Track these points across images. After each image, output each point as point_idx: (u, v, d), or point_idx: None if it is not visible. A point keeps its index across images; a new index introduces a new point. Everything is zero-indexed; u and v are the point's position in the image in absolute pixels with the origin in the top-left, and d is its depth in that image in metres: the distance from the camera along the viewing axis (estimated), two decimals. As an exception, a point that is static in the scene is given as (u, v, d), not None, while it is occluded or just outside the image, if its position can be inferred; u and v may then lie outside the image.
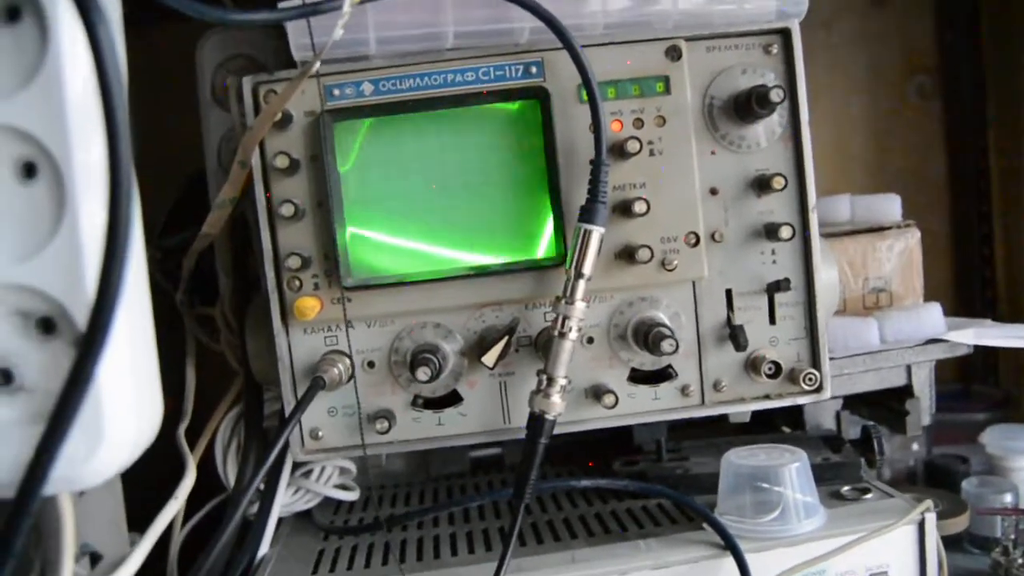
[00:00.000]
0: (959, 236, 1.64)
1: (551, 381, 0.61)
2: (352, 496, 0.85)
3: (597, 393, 0.67)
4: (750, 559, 0.67)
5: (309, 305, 0.63)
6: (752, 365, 0.67)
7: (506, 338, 0.64)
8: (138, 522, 0.61)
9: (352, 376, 0.67)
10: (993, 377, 1.60)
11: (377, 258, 0.66)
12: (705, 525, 0.71)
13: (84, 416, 0.44)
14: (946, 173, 1.64)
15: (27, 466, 0.42)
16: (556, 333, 0.61)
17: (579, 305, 0.61)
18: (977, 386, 1.56)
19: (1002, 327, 0.85)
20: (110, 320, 0.42)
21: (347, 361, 0.66)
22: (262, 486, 0.79)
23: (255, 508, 0.76)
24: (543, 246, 0.66)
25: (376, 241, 0.66)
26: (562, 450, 0.90)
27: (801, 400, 0.69)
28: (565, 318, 0.61)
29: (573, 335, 0.61)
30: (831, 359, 0.81)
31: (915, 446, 1.31)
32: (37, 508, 0.43)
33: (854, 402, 0.93)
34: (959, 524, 0.97)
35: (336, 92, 0.65)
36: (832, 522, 0.71)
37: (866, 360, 0.83)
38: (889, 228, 0.90)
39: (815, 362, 0.68)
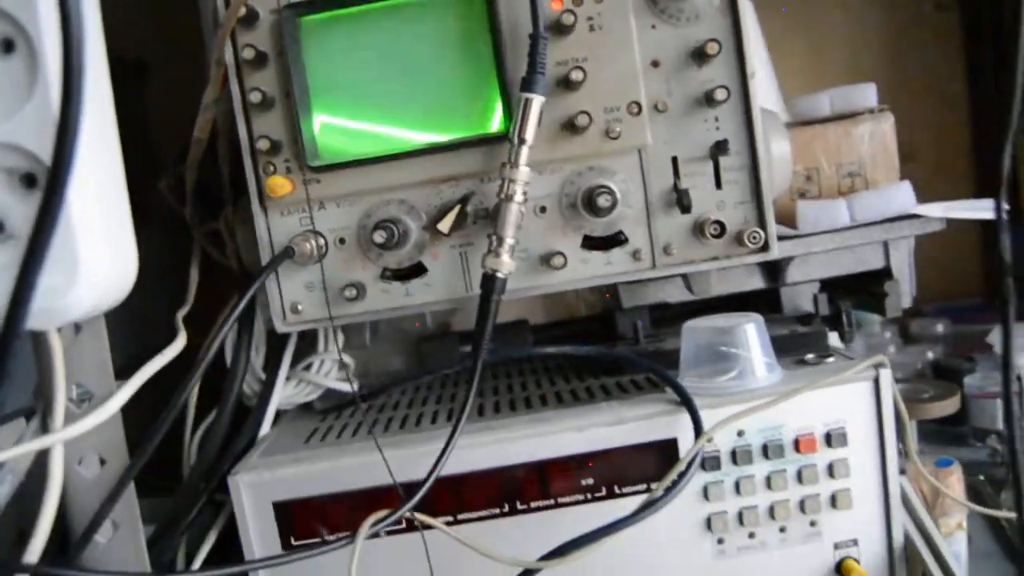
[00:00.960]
0: (979, 150, 1.62)
1: (500, 241, 0.66)
2: (348, 387, 0.91)
3: (552, 260, 0.71)
4: (707, 414, 0.71)
5: (279, 183, 0.69)
6: (699, 228, 0.71)
7: (459, 206, 0.69)
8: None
9: (325, 253, 0.73)
10: (1020, 289, 1.58)
11: (343, 142, 0.71)
12: (665, 387, 0.76)
13: (59, 251, 0.51)
14: (964, 87, 1.62)
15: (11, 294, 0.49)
16: (503, 197, 0.66)
17: (523, 170, 0.66)
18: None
19: (972, 201, 0.86)
20: (72, 153, 0.48)
21: (320, 239, 0.72)
22: (263, 376, 0.86)
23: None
24: (495, 122, 0.70)
25: (341, 126, 0.72)
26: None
27: (748, 259, 0.72)
28: (510, 182, 0.66)
29: (518, 198, 0.66)
30: (800, 236, 0.85)
31: (930, 354, 1.32)
32: (22, 330, 0.50)
33: (834, 287, 0.95)
34: (948, 407, 0.99)
35: (298, -11, 0.70)
36: (789, 380, 0.74)
37: (835, 237, 0.86)
38: (862, 114, 0.91)
39: (761, 223, 0.71)
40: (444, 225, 0.69)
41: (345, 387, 0.90)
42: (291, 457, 0.74)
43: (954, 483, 0.83)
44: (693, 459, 0.67)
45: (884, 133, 0.91)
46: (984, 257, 1.63)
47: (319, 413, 0.87)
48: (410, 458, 0.71)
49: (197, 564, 0.78)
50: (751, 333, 0.75)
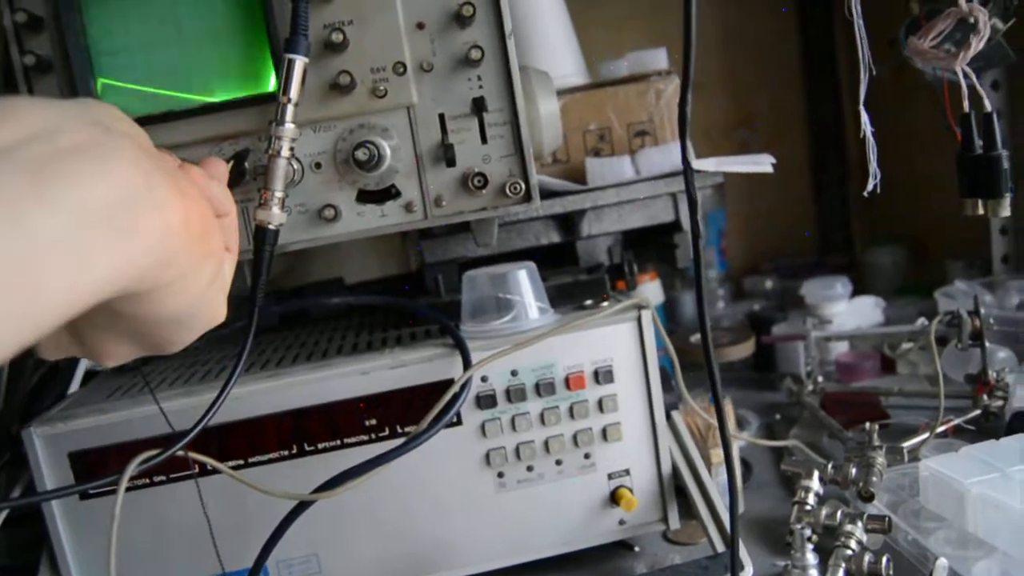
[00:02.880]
0: (811, 114, 1.72)
1: (269, 194, 0.70)
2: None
3: (324, 212, 0.75)
4: (479, 355, 0.76)
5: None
6: (466, 181, 0.75)
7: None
8: None
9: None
10: (849, 249, 1.69)
11: (125, 103, 0.73)
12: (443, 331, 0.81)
13: None
14: (799, 56, 1.71)
15: None
16: (271, 153, 0.69)
17: (288, 127, 0.69)
18: (833, 257, 1.65)
19: (744, 156, 0.93)
20: None
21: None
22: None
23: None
24: (271, 84, 0.74)
25: (123, 87, 0.74)
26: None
27: (514, 208, 0.77)
28: (277, 139, 0.69)
29: (285, 153, 0.69)
30: (590, 190, 0.90)
31: (756, 307, 1.41)
32: None
33: (631, 242, 1.01)
34: (743, 351, 1.07)
35: (72, -47, 0.72)
36: (562, 323, 0.80)
37: (621, 191, 0.91)
38: (649, 76, 0.98)
39: (523, 175, 0.76)
40: (217, 181, 0.72)
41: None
42: (87, 409, 0.77)
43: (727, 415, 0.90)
44: (460, 391, 0.73)
45: (671, 95, 0.97)
46: (818, 219, 1.73)
47: (130, 371, 0.89)
48: (197, 406, 0.74)
49: None
50: (523, 278, 0.80)
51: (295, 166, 0.73)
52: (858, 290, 1.33)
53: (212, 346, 0.96)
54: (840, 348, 1.24)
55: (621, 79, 0.98)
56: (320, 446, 0.77)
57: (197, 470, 0.76)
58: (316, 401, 0.77)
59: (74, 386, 0.87)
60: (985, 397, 0.99)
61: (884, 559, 0.73)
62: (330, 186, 0.75)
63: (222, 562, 0.75)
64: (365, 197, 0.76)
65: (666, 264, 1.02)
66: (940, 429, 0.94)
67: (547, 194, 0.88)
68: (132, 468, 0.65)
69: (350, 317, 1.02)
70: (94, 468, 0.75)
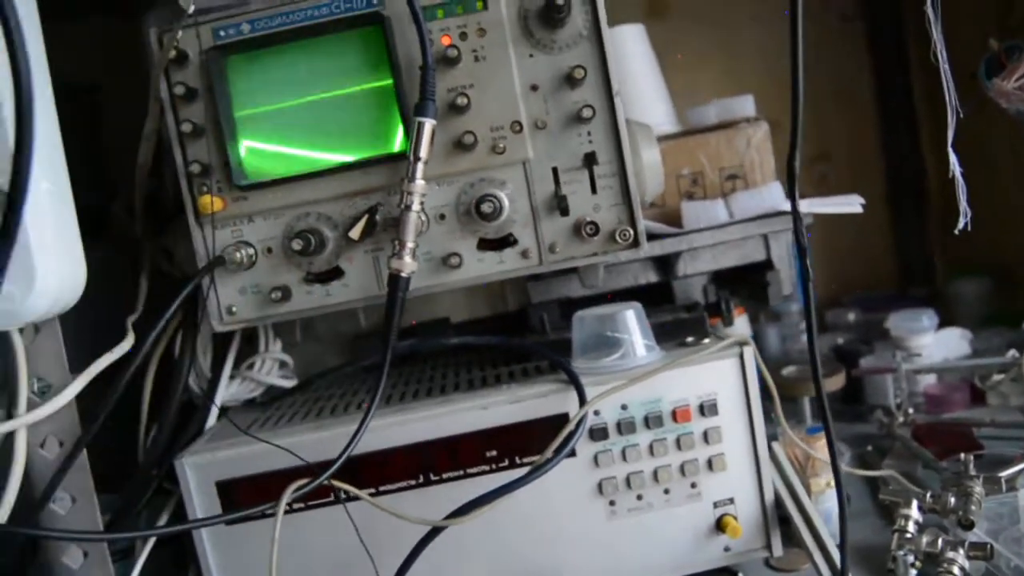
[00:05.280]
0: (888, 150, 1.74)
1: (402, 245, 0.77)
2: (290, 383, 1.01)
3: (450, 260, 0.81)
4: (592, 390, 0.81)
5: (208, 202, 0.80)
6: (578, 229, 0.81)
7: (367, 216, 0.79)
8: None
9: (255, 261, 0.83)
10: (930, 280, 1.70)
11: (266, 163, 0.82)
12: (558, 369, 0.86)
13: (17, 264, 0.61)
14: (873, 92, 1.74)
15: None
16: (403, 207, 0.77)
17: (419, 183, 0.76)
18: (914, 289, 1.66)
19: (839, 197, 0.97)
20: (26, 179, 0.58)
21: (250, 249, 0.82)
22: (209, 375, 0.96)
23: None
24: (397, 143, 0.81)
25: (264, 150, 0.82)
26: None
27: (623, 255, 0.82)
28: (408, 194, 0.76)
29: (416, 207, 0.76)
30: (685, 233, 0.96)
31: (839, 340, 1.43)
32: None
33: (724, 281, 1.06)
34: (832, 384, 1.10)
35: (222, 33, 0.81)
36: (667, 359, 0.85)
37: (716, 233, 0.97)
38: (739, 123, 1.03)
39: (631, 222, 0.81)
40: (355, 232, 0.79)
41: (285, 383, 1.01)
42: (231, 442, 0.84)
43: (821, 447, 0.94)
44: (578, 425, 0.78)
45: (760, 140, 1.02)
46: (897, 253, 1.75)
47: (260, 406, 0.97)
48: (333, 439, 0.80)
49: (148, 548, 0.88)
50: (631, 318, 0.85)
51: (423, 218, 0.79)
52: (943, 322, 1.34)
53: (329, 384, 1.03)
54: (928, 380, 1.26)
55: (711, 127, 1.04)
56: (444, 476, 0.83)
57: (333, 498, 0.82)
58: (440, 434, 0.83)
59: (210, 421, 0.94)
60: (1079, 428, 1.00)
61: (988, 585, 0.76)
62: (453, 236, 0.82)
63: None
64: (485, 245, 0.82)
65: (755, 301, 1.06)
66: (1035, 461, 0.96)
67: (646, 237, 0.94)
68: (288, 495, 0.71)
69: (458, 355, 1.08)
70: (239, 496, 0.82)
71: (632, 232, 0.81)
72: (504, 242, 0.82)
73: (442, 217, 0.82)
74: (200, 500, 0.83)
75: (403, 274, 0.77)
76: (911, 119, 1.71)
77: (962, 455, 0.97)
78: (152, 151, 0.88)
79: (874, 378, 1.25)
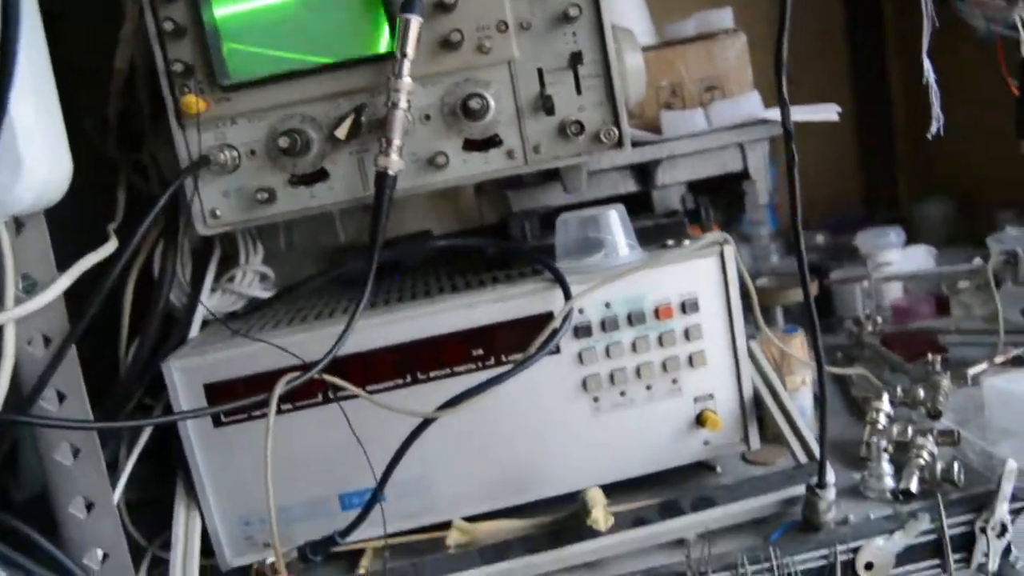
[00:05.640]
0: (858, 76, 1.76)
1: (388, 143, 0.77)
2: (270, 294, 1.01)
3: (436, 160, 0.82)
4: (576, 289, 0.83)
5: (192, 101, 0.79)
6: (563, 129, 0.82)
7: (353, 115, 0.79)
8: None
9: (239, 164, 0.83)
10: (895, 203, 1.74)
11: (249, 64, 0.81)
12: (542, 270, 0.87)
13: (4, 153, 0.60)
14: (844, 19, 1.75)
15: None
16: (389, 105, 0.77)
17: (405, 80, 0.76)
18: (879, 212, 1.70)
19: (811, 105, 0.99)
20: (11, 71, 0.57)
21: (233, 151, 0.82)
22: (189, 289, 0.95)
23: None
24: (383, 43, 0.81)
25: (248, 50, 0.81)
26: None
27: (607, 154, 0.83)
28: (395, 91, 0.77)
29: (403, 105, 0.77)
30: (665, 141, 0.97)
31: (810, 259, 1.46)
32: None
33: (702, 190, 1.07)
34: (799, 293, 1.12)
35: (202, -72, 0.79)
36: (649, 259, 0.86)
37: (695, 142, 0.98)
38: (717, 34, 1.04)
39: (616, 122, 0.82)
40: (341, 132, 0.79)
41: (266, 294, 1.01)
42: (218, 345, 0.84)
43: (797, 346, 0.97)
44: (563, 320, 0.80)
45: (739, 52, 1.03)
46: (864, 175, 1.78)
47: (242, 317, 0.97)
48: (321, 339, 0.81)
49: (133, 459, 0.88)
50: (614, 219, 0.87)
51: (409, 118, 0.80)
52: (908, 243, 1.38)
53: (311, 294, 1.04)
54: (895, 293, 1.30)
55: (691, 38, 1.04)
56: (431, 375, 0.85)
57: (320, 398, 0.83)
58: (426, 334, 0.84)
59: (194, 331, 0.94)
60: (1040, 330, 1.04)
61: (956, 465, 0.80)
62: (438, 136, 0.82)
63: (374, 473, 0.79)
64: (470, 146, 0.83)
65: (732, 211, 1.08)
66: (999, 360, 1.00)
67: (627, 145, 0.95)
68: (281, 386, 0.72)
69: (439, 266, 1.09)
70: (228, 398, 0.83)
71: (617, 132, 0.82)
72: (489, 143, 0.83)
73: (427, 118, 0.82)
74: (188, 405, 0.83)
75: (390, 172, 0.77)
76: (880, 42, 1.73)
77: (930, 355, 1.01)
78: (129, 57, 0.87)
79: (843, 291, 1.29)
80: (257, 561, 0.83)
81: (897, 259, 1.32)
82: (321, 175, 0.83)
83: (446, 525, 0.83)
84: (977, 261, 1.12)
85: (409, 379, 0.85)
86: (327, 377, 0.76)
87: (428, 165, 0.82)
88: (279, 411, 0.83)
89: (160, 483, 0.94)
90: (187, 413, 0.80)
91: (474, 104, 0.78)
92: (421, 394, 0.84)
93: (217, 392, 0.83)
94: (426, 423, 0.77)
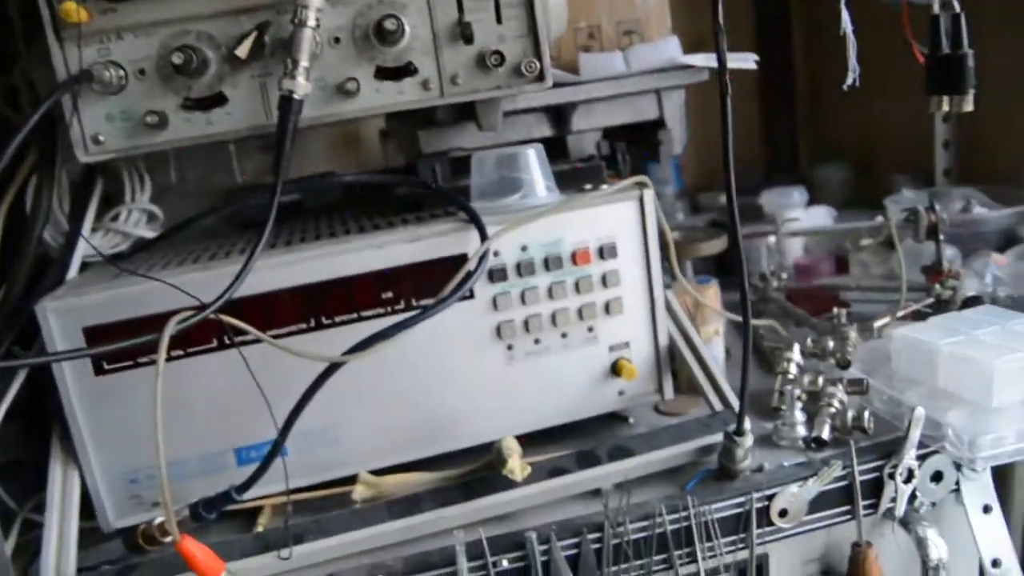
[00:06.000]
0: (762, 41, 1.77)
1: (295, 64, 0.71)
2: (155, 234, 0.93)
3: (346, 86, 0.76)
4: (494, 228, 0.79)
5: (72, 8, 0.71)
6: (482, 59, 0.78)
7: (256, 32, 0.73)
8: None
9: (125, 84, 0.75)
10: (795, 167, 1.77)
11: (143, -27, 0.73)
12: (456, 210, 0.83)
13: None
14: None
15: None
16: (296, 22, 0.71)
17: (313, -5, 0.70)
18: (780, 175, 1.72)
19: (731, 54, 0.97)
20: None
21: (120, 70, 0.74)
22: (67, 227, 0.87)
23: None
24: (288, -44, 0.74)
25: (140, -41, 0.73)
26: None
27: (528, 88, 0.79)
28: (302, 8, 0.70)
29: (311, 23, 0.71)
30: (583, 83, 0.93)
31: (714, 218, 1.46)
32: None
33: (617, 137, 1.05)
34: (716, 246, 1.12)
35: None
36: (569, 201, 0.83)
37: (613, 85, 0.95)
38: (637, -24, 1.01)
39: (537, 55, 0.78)
40: (242, 50, 0.73)
41: (152, 234, 0.93)
42: (99, 287, 0.76)
43: (711, 296, 0.96)
44: (479, 262, 0.76)
45: (658, -5, 1.01)
46: (766, 139, 1.80)
47: (127, 259, 0.89)
48: (216, 279, 0.74)
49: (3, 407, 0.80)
50: (532, 157, 0.83)
51: (318, 39, 0.74)
52: (809, 204, 1.40)
53: (201, 237, 0.96)
54: (797, 252, 1.31)
55: (610, -22, 1.01)
56: (337, 319, 0.79)
57: (215, 344, 0.77)
58: (333, 275, 0.79)
59: (72, 273, 0.86)
60: (938, 286, 1.07)
61: (865, 414, 0.80)
62: (348, 62, 0.77)
63: (275, 423, 0.73)
64: (383, 74, 0.77)
65: (647, 160, 1.06)
66: (900, 313, 1.02)
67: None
68: (172, 327, 0.66)
69: (343, 210, 1.03)
70: (111, 344, 0.76)
71: (538, 65, 0.78)
72: (404, 71, 0.78)
73: (337, 40, 0.76)
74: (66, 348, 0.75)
75: (296, 95, 0.71)
76: (783, 12, 1.74)
77: (835, 309, 1.01)
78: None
79: (748, 248, 1.29)
80: (144, 522, 0.76)
81: (800, 217, 1.33)
82: (219, 99, 0.76)
83: (352, 479, 0.79)
84: (879, 219, 1.14)
85: (313, 323, 0.79)
86: (224, 318, 0.70)
87: (337, 92, 0.77)
88: (170, 357, 0.77)
89: (30, 443, 0.86)
90: (65, 354, 0.73)
91: (389, 25, 0.73)
92: (327, 339, 0.79)
93: (99, 337, 0.75)
94: (331, 369, 0.71)
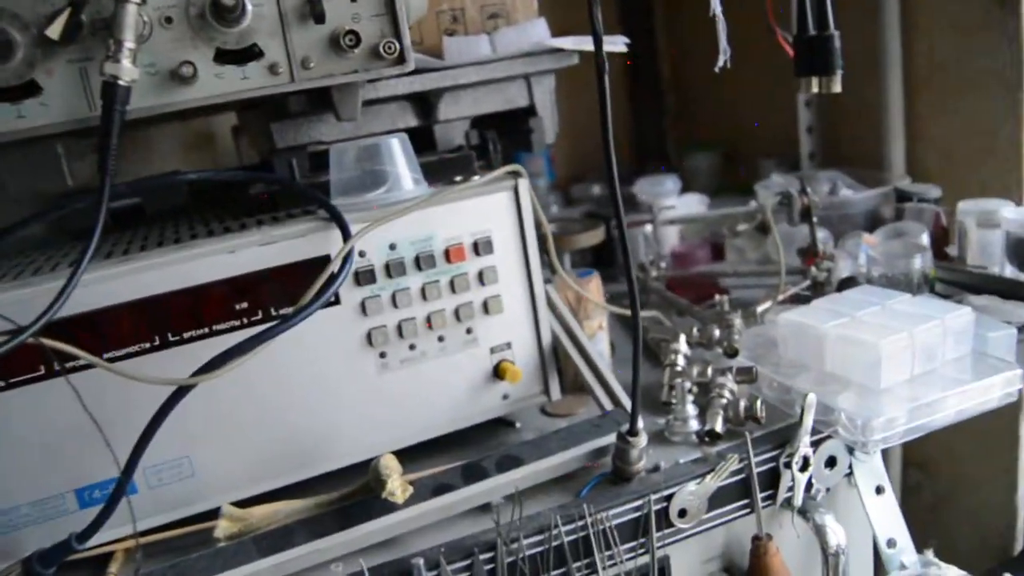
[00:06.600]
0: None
1: (118, 45, 0.62)
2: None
3: (181, 70, 0.67)
4: (358, 226, 0.71)
5: None
6: (336, 40, 0.70)
7: (69, 10, 0.63)
8: None
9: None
10: (664, 156, 1.77)
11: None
12: (316, 209, 0.76)
13: None
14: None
15: None
16: (118, -2, 0.61)
17: (136, -32, 0.61)
18: (650, 165, 1.71)
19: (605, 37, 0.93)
20: None
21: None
22: None
23: None
24: (106, -75, 0.65)
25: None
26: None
27: (387, 72, 0.73)
28: (124, -20, 0.61)
29: (135, -1, 0.62)
30: (448, 68, 0.87)
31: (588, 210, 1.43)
32: None
33: (487, 127, 0.99)
34: (594, 237, 1.08)
35: None
36: (438, 194, 0.77)
37: (480, 70, 0.89)
38: (500, -43, 0.95)
39: (396, 35, 0.72)
40: (54, 30, 0.63)
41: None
42: None
43: (594, 290, 0.92)
44: (343, 263, 0.68)
45: (521, -25, 0.96)
46: (634, 130, 1.79)
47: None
48: (41, 295, 0.64)
49: None
50: (395, 147, 0.77)
51: (145, 19, 0.65)
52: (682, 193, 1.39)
53: (21, 250, 0.85)
54: (672, 240, 1.30)
55: (471, -40, 0.95)
56: (185, 335, 0.70)
57: (43, 371, 0.67)
58: (178, 285, 0.70)
59: None
60: (814, 268, 1.06)
61: (758, 402, 0.78)
62: (183, 43, 0.68)
63: (116, 460, 0.64)
64: (224, 57, 0.69)
65: (519, 149, 1.01)
66: (781, 297, 1.01)
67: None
68: (-22, 354, 0.56)
69: (191, 214, 0.93)
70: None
71: (398, 46, 0.72)
72: (247, 54, 0.69)
73: (168, 20, 0.67)
74: None
75: (121, 81, 0.62)
76: (646, 6, 1.74)
77: (716, 296, 0.99)
78: None
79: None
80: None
81: (674, 204, 1.32)
82: (31, 89, 0.66)
83: (214, 514, 0.70)
84: (754, 204, 1.13)
85: (158, 341, 0.70)
86: (45, 342, 0.60)
87: (171, 79, 0.68)
88: (-14, 391, 0.66)
89: None
90: None
91: (227, 1, 0.64)
92: (174, 359, 0.70)
93: None
94: (179, 393, 0.62)
